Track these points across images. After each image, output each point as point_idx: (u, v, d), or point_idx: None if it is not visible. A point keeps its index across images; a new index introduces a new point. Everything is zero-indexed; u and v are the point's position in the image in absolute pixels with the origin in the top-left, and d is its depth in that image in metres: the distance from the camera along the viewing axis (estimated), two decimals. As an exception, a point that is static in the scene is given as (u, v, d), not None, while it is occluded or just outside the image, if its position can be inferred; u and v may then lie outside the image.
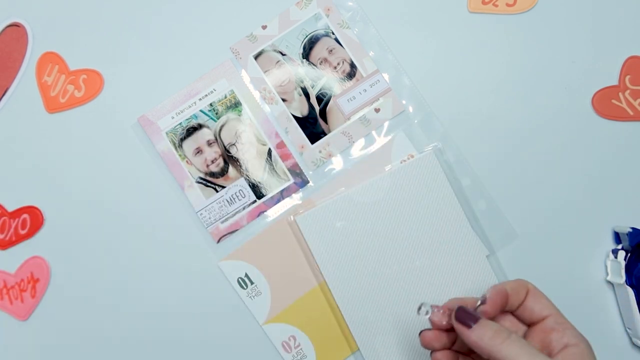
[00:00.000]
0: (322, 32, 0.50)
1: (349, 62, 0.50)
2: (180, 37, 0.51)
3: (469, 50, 0.50)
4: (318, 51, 0.50)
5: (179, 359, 0.49)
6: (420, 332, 0.38)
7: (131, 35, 0.51)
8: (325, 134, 0.49)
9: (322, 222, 0.47)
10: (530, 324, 0.37)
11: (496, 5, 0.50)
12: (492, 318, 0.36)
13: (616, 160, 0.48)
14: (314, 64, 0.50)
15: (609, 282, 0.47)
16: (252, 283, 0.48)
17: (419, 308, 0.37)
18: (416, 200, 0.47)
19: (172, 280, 0.49)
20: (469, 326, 0.35)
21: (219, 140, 0.49)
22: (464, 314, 0.35)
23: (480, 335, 0.34)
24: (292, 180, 0.49)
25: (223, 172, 0.49)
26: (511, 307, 0.37)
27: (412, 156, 0.48)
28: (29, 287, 0.50)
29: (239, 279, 0.48)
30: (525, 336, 0.37)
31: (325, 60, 0.50)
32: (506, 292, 0.37)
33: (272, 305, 0.48)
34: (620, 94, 0.49)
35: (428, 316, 0.37)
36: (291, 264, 0.48)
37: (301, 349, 0.48)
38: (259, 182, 0.49)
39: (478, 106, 0.49)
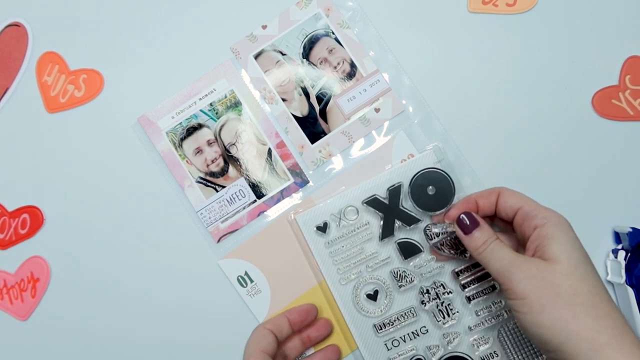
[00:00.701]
0: (322, 32, 0.50)
1: (349, 62, 0.50)
2: (180, 37, 0.51)
3: (469, 50, 0.50)
4: (318, 51, 0.50)
5: (179, 358, 0.49)
6: (432, 244, 0.45)
7: (131, 35, 0.51)
8: (325, 134, 0.49)
9: (322, 220, 0.47)
10: (510, 220, 0.41)
11: (496, 5, 0.50)
12: None
13: (616, 160, 0.48)
14: (314, 64, 0.50)
15: (609, 282, 0.47)
16: (251, 281, 0.48)
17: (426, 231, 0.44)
18: None
19: (172, 279, 0.49)
20: (467, 232, 0.40)
21: (219, 140, 0.49)
22: (464, 220, 0.40)
23: (473, 240, 0.39)
24: (292, 180, 0.49)
25: (223, 172, 0.49)
26: (489, 211, 0.42)
27: (412, 156, 0.48)
28: (29, 287, 0.50)
29: (239, 277, 0.48)
30: (506, 232, 0.42)
31: (325, 60, 0.50)
32: (473, 197, 0.42)
33: (272, 303, 0.48)
34: (620, 94, 0.49)
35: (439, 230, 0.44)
36: (291, 263, 0.48)
37: (301, 348, 0.48)
38: (259, 182, 0.49)
39: (478, 106, 0.49)
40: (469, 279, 0.45)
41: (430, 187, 0.45)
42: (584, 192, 0.48)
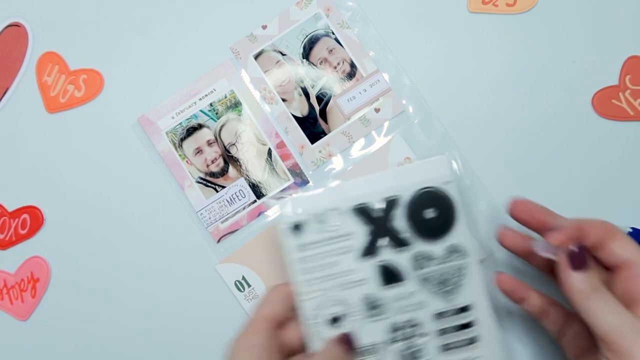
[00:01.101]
0: (322, 32, 0.50)
1: (349, 62, 0.50)
2: (181, 37, 0.51)
3: (469, 50, 0.50)
4: (318, 51, 0.50)
5: (178, 358, 0.49)
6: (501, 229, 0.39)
7: (131, 35, 0.51)
8: (325, 134, 0.49)
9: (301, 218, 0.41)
10: (612, 269, 0.35)
11: (496, 5, 0.50)
12: None
13: (616, 160, 0.48)
14: (314, 64, 0.50)
15: (609, 282, 0.47)
16: (249, 286, 0.48)
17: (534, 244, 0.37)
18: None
19: (171, 280, 0.49)
20: (577, 268, 0.33)
21: (219, 140, 0.49)
22: (580, 252, 0.34)
23: (581, 283, 0.33)
24: (292, 180, 0.49)
25: (223, 172, 0.49)
26: (593, 244, 0.35)
27: (409, 159, 0.48)
28: (29, 287, 0.50)
29: (236, 282, 0.48)
30: (607, 282, 0.35)
31: (325, 60, 0.50)
32: (585, 227, 0.35)
33: (271, 306, 0.48)
34: (621, 94, 0.49)
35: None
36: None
37: (301, 349, 0.48)
38: (259, 182, 0.49)
39: (478, 106, 0.49)
40: (451, 325, 0.40)
41: (432, 209, 0.40)
42: (584, 192, 0.48)
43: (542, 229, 0.38)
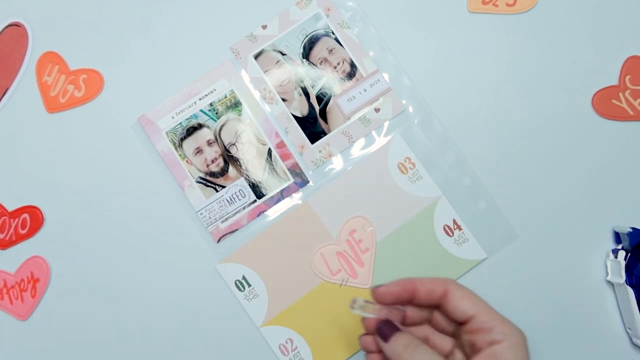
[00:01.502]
0: (322, 32, 0.50)
1: (349, 62, 0.50)
2: (180, 37, 0.51)
3: (469, 50, 0.50)
4: (318, 51, 0.50)
5: (177, 358, 0.49)
6: (360, 336, 0.40)
7: (131, 35, 0.51)
8: (325, 134, 0.49)
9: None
10: (460, 323, 0.37)
11: (496, 5, 0.50)
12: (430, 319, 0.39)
13: (616, 160, 0.48)
14: (314, 64, 0.50)
15: (609, 282, 0.47)
16: (249, 285, 0.48)
17: (352, 302, 0.38)
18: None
19: (171, 280, 0.49)
20: (386, 338, 0.36)
21: (219, 140, 0.49)
22: (383, 326, 0.37)
23: (394, 347, 0.36)
24: (292, 180, 0.49)
25: (223, 172, 0.49)
26: (427, 303, 0.38)
27: (409, 159, 0.48)
28: (29, 287, 0.50)
29: (237, 282, 0.48)
30: (456, 337, 0.38)
31: (325, 60, 0.50)
32: (413, 284, 0.38)
33: (270, 308, 0.48)
34: (620, 94, 0.49)
35: (359, 311, 0.38)
36: (288, 267, 0.48)
37: (298, 352, 0.48)
38: (259, 182, 0.49)
39: (478, 106, 0.49)
40: None
41: None
42: (584, 192, 0.48)
43: (411, 299, 0.39)
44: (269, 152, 0.49)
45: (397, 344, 0.36)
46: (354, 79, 0.49)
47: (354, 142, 0.49)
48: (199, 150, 0.49)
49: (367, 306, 0.38)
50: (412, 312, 0.39)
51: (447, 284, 0.37)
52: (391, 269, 0.48)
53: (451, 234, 0.48)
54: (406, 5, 0.50)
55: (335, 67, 0.50)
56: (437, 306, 0.38)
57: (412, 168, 0.48)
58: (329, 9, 0.50)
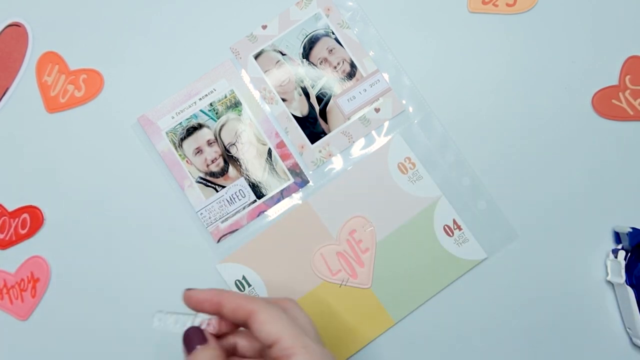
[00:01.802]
0: (322, 32, 0.50)
1: (349, 62, 0.50)
2: (180, 37, 0.51)
3: (469, 50, 0.50)
4: (318, 51, 0.50)
5: (177, 358, 0.49)
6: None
7: (131, 35, 0.51)
8: (325, 134, 0.49)
9: None
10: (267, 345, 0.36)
11: (496, 5, 0.50)
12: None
13: (616, 160, 0.48)
14: (314, 64, 0.50)
15: (609, 282, 0.47)
16: (249, 285, 0.48)
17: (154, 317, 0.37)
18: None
19: (171, 280, 0.49)
20: (189, 350, 0.35)
21: (219, 140, 0.50)
22: (192, 334, 0.36)
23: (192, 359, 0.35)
24: (292, 180, 0.49)
25: (223, 172, 0.49)
26: (235, 321, 0.36)
27: (409, 159, 0.48)
28: (29, 286, 0.50)
29: (237, 282, 0.48)
30: (264, 356, 0.37)
31: (325, 60, 0.50)
32: (220, 298, 0.36)
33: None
34: (620, 94, 0.49)
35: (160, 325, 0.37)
36: (288, 267, 0.48)
37: (301, 349, 0.48)
38: (259, 182, 0.49)
39: (478, 106, 0.49)
40: None
41: None
42: (584, 192, 0.48)
43: (217, 313, 0.37)
44: (269, 152, 0.49)
45: (201, 357, 0.35)
46: (354, 79, 0.49)
47: (354, 142, 0.49)
48: (199, 150, 0.49)
49: (170, 316, 0.37)
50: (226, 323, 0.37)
51: (254, 305, 0.35)
52: (391, 269, 0.48)
53: (451, 234, 0.48)
54: (406, 5, 0.50)
55: (335, 67, 0.50)
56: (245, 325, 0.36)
57: (412, 168, 0.48)
58: (329, 9, 0.50)
